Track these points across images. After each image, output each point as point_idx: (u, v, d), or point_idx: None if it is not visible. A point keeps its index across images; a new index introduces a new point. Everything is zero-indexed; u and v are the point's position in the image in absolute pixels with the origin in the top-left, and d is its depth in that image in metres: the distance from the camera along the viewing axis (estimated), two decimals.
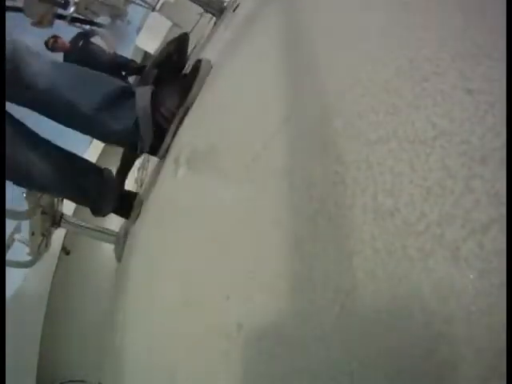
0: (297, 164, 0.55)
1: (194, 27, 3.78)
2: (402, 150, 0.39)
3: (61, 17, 5.53)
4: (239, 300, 0.55)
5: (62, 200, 1.94)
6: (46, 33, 5.17)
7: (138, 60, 5.25)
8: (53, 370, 1.94)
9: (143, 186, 1.89)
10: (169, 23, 4.54)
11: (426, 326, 0.30)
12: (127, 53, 5.45)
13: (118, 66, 5.09)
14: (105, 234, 1.89)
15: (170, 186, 1.18)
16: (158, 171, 1.47)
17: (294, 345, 0.43)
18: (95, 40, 5.30)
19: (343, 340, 0.37)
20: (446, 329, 0.29)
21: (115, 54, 5.14)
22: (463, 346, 0.28)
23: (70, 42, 5.20)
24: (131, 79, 5.27)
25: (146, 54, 5.09)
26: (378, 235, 0.37)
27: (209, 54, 1.89)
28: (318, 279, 0.42)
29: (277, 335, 0.46)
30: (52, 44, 5.13)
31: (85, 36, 5.28)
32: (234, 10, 1.99)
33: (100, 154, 3.28)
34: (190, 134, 1.26)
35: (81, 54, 5.06)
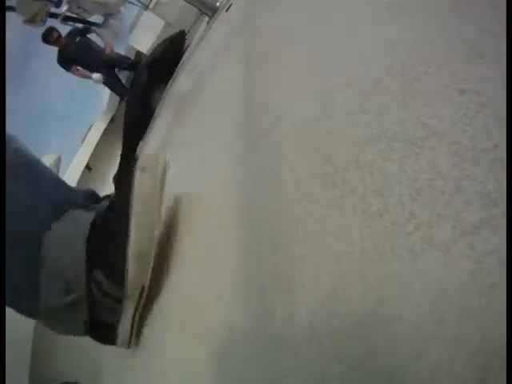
0: (286, 164, 0.55)
1: (191, 26, 3.77)
2: (392, 151, 0.39)
3: (53, 15, 5.51)
4: (229, 301, 0.55)
5: None
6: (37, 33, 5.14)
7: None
8: (46, 372, 1.93)
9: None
10: (162, 22, 4.53)
11: (417, 328, 0.30)
12: (120, 51, 5.43)
13: (113, 63, 5.08)
14: None
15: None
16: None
17: (284, 346, 0.42)
18: (91, 37, 5.28)
19: (333, 341, 0.37)
20: (436, 330, 0.29)
21: (112, 51, 5.13)
22: (454, 347, 0.28)
23: (65, 37, 5.17)
24: (124, 78, 5.26)
25: (138, 53, 5.08)
26: (368, 236, 0.37)
27: (201, 53, 1.89)
28: (308, 280, 0.42)
29: (268, 337, 0.45)
30: (55, 41, 5.09)
31: (81, 32, 5.26)
32: (226, 10, 1.99)
33: (91, 156, 3.27)
34: (182, 136, 1.26)
35: (78, 50, 5.04)
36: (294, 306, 0.43)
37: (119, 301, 0.80)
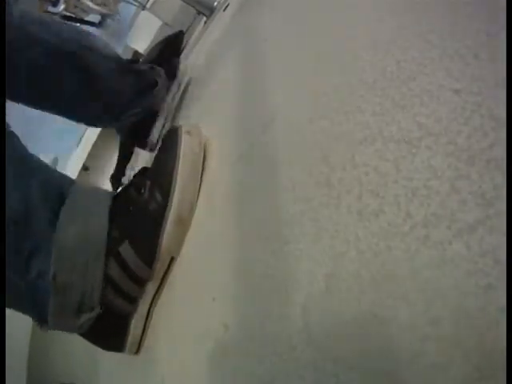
0: (282, 164, 0.55)
1: (188, 26, 3.76)
2: (388, 151, 0.39)
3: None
4: (225, 301, 0.55)
5: None
6: None
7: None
8: (42, 373, 1.93)
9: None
10: (159, 22, 4.52)
11: (413, 328, 0.30)
12: (117, 51, 5.42)
13: None
14: None
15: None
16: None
17: (280, 346, 0.42)
18: None
19: (329, 342, 0.37)
20: (432, 330, 0.29)
21: None
22: (450, 347, 0.28)
23: None
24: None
25: (135, 53, 5.07)
26: (363, 236, 0.37)
27: (198, 53, 1.89)
28: (303, 280, 0.42)
29: (263, 337, 0.45)
30: None
31: None
32: (224, 10, 1.98)
33: (88, 155, 3.25)
34: None
35: None
36: (290, 306, 0.43)
37: (137, 291, 0.76)
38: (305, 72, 0.64)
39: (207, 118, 1.04)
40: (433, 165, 0.34)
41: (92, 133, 3.39)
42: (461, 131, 0.34)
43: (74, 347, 1.69)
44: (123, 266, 0.74)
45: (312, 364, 0.38)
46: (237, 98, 0.87)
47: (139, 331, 0.79)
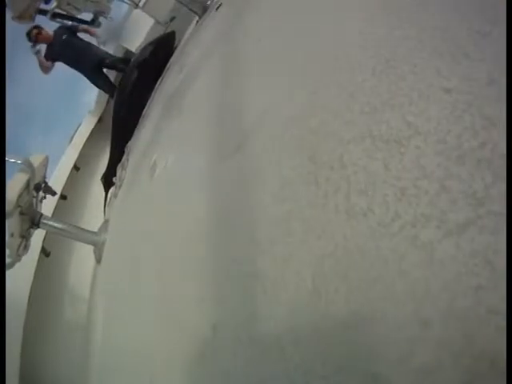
0: (270, 164, 0.54)
1: (171, 24, 3.78)
2: (377, 150, 0.38)
3: (42, 12, 5.47)
4: (214, 302, 0.55)
5: (41, 200, 1.91)
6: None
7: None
8: (34, 375, 1.93)
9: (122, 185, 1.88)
10: (151, 21, 4.52)
11: (401, 329, 0.30)
12: (109, 50, 5.41)
13: (100, 62, 5.04)
14: (85, 234, 1.87)
15: (147, 185, 1.17)
16: (136, 170, 1.46)
17: (269, 348, 0.42)
18: (81, 35, 5.23)
19: (317, 343, 0.36)
20: (421, 332, 0.29)
21: (100, 49, 5.08)
22: (439, 349, 0.27)
23: (54, 32, 5.12)
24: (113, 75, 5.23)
25: (127, 52, 5.06)
26: (351, 236, 0.37)
27: (190, 52, 1.89)
28: (290, 281, 0.42)
29: (252, 338, 0.45)
30: (36, 36, 5.04)
31: (69, 30, 5.21)
32: (216, 9, 1.98)
33: (79, 155, 3.26)
34: (170, 136, 1.26)
35: (64, 47, 4.99)
36: (277, 306, 0.42)
37: None
38: (293, 70, 0.64)
39: (196, 116, 1.04)
40: (422, 164, 0.34)
41: (82, 134, 3.40)
42: (451, 130, 0.33)
43: (65, 350, 1.69)
44: None
45: (301, 366, 0.37)
46: (226, 97, 0.87)
47: None
